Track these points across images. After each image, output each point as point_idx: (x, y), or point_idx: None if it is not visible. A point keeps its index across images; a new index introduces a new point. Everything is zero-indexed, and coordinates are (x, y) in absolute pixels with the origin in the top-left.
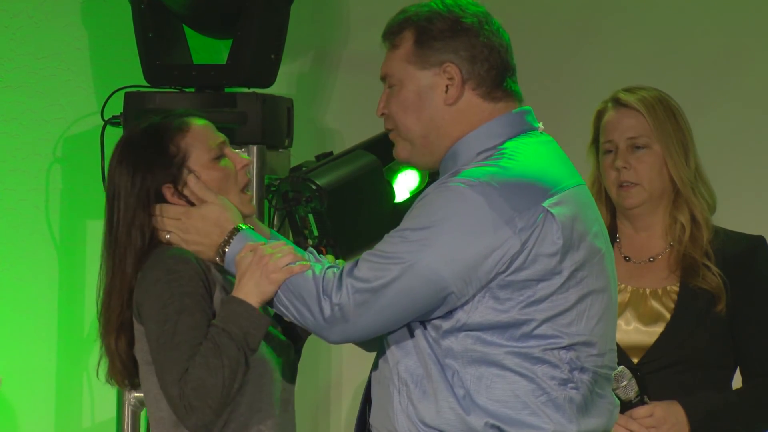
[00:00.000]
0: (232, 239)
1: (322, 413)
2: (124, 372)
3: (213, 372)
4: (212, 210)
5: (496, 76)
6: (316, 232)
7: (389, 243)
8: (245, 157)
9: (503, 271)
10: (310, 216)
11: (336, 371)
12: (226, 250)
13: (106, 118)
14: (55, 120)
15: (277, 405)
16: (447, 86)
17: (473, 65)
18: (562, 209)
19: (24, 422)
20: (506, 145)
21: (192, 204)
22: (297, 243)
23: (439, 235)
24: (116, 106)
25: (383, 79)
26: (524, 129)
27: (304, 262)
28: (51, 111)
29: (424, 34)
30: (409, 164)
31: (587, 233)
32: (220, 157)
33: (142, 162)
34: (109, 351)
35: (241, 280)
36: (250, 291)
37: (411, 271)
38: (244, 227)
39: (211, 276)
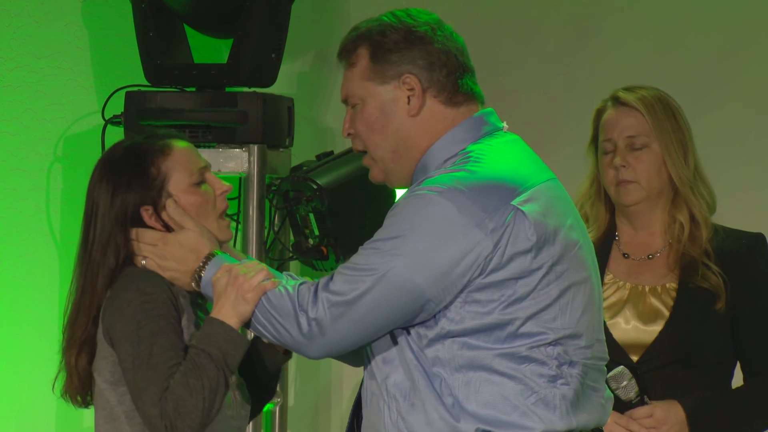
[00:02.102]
0: (208, 264)
1: (322, 413)
2: (80, 388)
3: (193, 392)
4: (189, 237)
5: (456, 80)
6: (316, 232)
7: (362, 255)
8: (226, 183)
9: (480, 274)
10: (311, 215)
11: (336, 371)
12: (202, 274)
13: (106, 118)
14: (56, 119)
15: None
16: (408, 97)
17: (432, 72)
18: (532, 206)
19: (24, 422)
20: (471, 148)
21: (169, 228)
22: (297, 242)
23: (410, 243)
24: (117, 106)
25: (345, 101)
26: (488, 131)
27: (276, 279)
28: (52, 110)
29: (379, 48)
30: (387, 184)
31: (561, 226)
32: (200, 182)
33: (122, 182)
34: (69, 367)
35: (218, 301)
36: (228, 312)
37: (384, 280)
38: (219, 253)
39: (179, 304)
